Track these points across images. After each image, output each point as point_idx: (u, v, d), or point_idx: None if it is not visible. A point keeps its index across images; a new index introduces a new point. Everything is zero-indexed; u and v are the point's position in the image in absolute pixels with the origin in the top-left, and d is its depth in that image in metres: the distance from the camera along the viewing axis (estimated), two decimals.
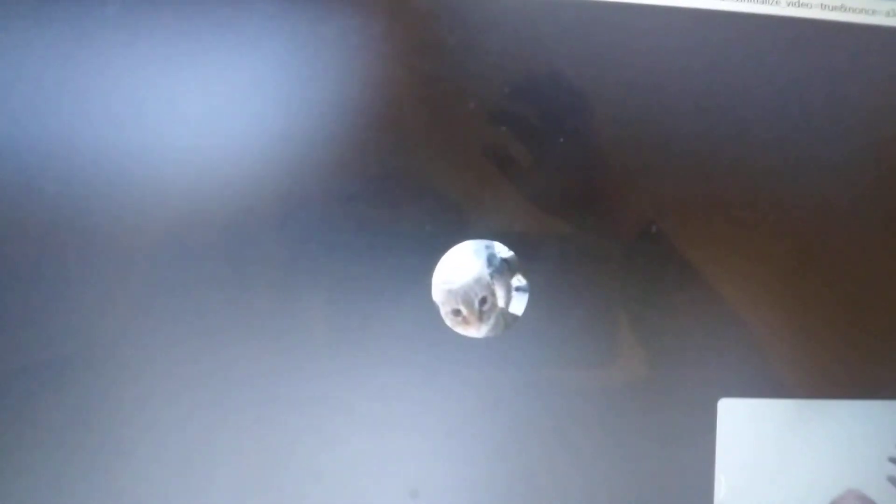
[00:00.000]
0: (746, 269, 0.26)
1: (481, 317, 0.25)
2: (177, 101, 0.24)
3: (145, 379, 0.23)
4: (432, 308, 0.25)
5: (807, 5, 0.24)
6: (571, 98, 0.25)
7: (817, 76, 0.25)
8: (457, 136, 0.25)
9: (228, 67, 0.24)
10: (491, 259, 0.25)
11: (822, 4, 0.24)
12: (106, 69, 0.23)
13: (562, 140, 0.25)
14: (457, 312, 0.25)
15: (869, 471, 0.26)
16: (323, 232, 0.24)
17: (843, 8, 0.24)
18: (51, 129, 0.23)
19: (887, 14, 0.25)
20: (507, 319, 0.25)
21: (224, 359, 0.24)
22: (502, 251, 0.25)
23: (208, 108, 0.24)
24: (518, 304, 0.25)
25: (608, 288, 0.25)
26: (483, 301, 0.25)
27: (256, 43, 0.24)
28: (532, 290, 0.25)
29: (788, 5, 0.24)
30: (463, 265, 0.25)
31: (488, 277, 0.25)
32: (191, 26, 0.24)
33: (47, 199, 0.23)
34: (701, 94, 0.25)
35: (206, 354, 0.24)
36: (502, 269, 0.25)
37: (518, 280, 0.25)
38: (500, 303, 0.25)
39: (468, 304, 0.25)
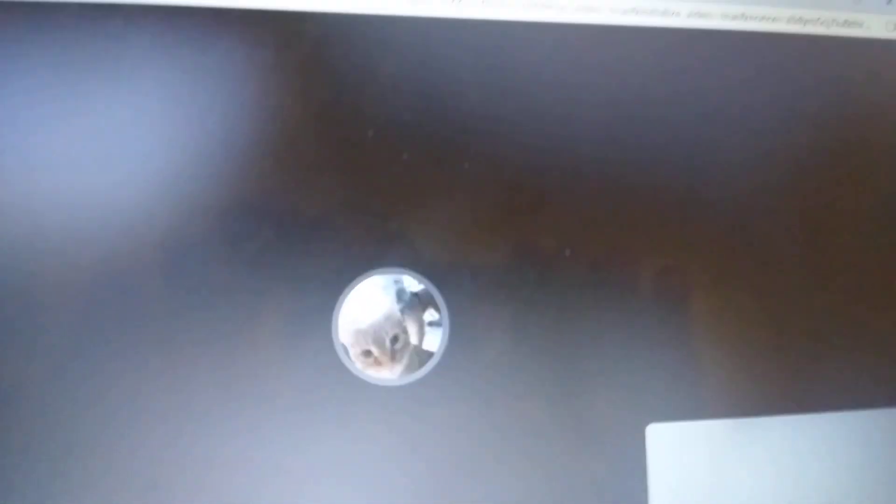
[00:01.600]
0: (665, 289, 0.25)
1: (394, 356, 0.23)
2: (56, 142, 0.22)
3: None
4: (339, 350, 0.23)
5: (707, 15, 0.24)
6: (474, 120, 0.24)
7: (718, 86, 0.25)
8: (357, 166, 0.23)
9: (110, 104, 0.22)
10: (400, 294, 0.24)
11: (722, 14, 0.24)
12: None
13: (466, 165, 0.24)
14: (367, 353, 0.23)
15: (799, 487, 0.25)
16: (214, 275, 0.22)
17: (743, 17, 0.24)
18: None
19: (788, 21, 0.24)
20: (422, 357, 0.24)
21: (111, 423, 0.22)
22: (412, 285, 0.24)
23: (89, 147, 0.22)
24: (432, 340, 0.24)
25: (526, 316, 0.24)
26: (395, 339, 0.24)
27: (138, 76, 0.22)
28: (446, 323, 0.24)
29: (689, 16, 0.24)
30: (371, 302, 0.23)
31: (399, 314, 0.24)
32: (69, 62, 0.22)
33: None
34: (607, 111, 0.24)
35: (90, 417, 0.21)
36: (413, 304, 0.24)
37: (430, 314, 0.24)
38: (413, 339, 0.24)
39: (379, 343, 0.23)
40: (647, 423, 0.25)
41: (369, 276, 0.23)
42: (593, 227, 0.24)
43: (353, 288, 0.23)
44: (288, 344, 0.23)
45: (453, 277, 0.24)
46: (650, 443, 0.25)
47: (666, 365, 0.25)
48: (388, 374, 0.23)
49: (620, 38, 0.24)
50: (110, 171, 0.22)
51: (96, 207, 0.22)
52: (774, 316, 0.25)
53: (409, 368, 0.23)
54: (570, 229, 0.24)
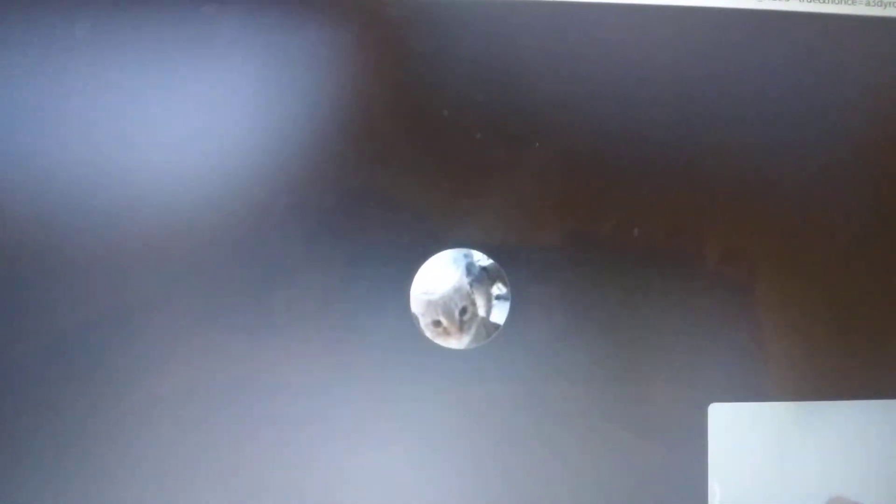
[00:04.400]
0: (731, 271, 0.25)
1: (462, 327, 0.25)
2: (149, 119, 0.24)
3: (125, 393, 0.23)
4: (412, 320, 0.24)
5: None
6: (546, 101, 0.24)
7: (787, 66, 0.25)
8: (431, 145, 0.24)
9: (199, 83, 0.24)
10: (470, 268, 0.25)
11: None
12: (76, 92, 0.23)
13: (538, 144, 0.24)
14: (437, 323, 0.24)
15: (863, 473, 0.25)
16: (298, 245, 0.24)
17: None
18: (21, 152, 0.23)
19: (867, 3, 0.24)
20: (489, 329, 0.25)
21: (200, 376, 0.23)
22: (481, 259, 0.25)
23: (181, 124, 0.24)
24: (499, 313, 0.25)
25: (591, 294, 0.25)
26: (463, 311, 0.25)
27: (225, 57, 0.24)
28: (513, 298, 0.24)
29: None
30: (442, 275, 0.25)
31: (468, 287, 0.25)
32: (159, 44, 0.24)
33: (17, 221, 0.23)
34: (681, 94, 0.25)
35: (183, 372, 0.23)
36: (482, 278, 0.25)
37: (498, 288, 0.25)
38: (481, 312, 0.25)
39: (448, 314, 0.25)
40: (710, 402, 0.25)
41: (441, 251, 0.24)
42: (659, 208, 0.25)
43: (425, 261, 0.24)
44: (365, 314, 0.24)
45: (521, 254, 0.25)
46: (712, 422, 0.25)
47: (729, 345, 0.25)
48: (456, 344, 0.24)
49: (694, 19, 0.24)
50: (202, 150, 0.24)
51: (188, 187, 0.24)
52: (839, 300, 0.25)
53: (477, 339, 0.24)
54: (636, 210, 0.25)
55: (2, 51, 0.23)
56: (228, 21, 0.24)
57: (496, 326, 0.25)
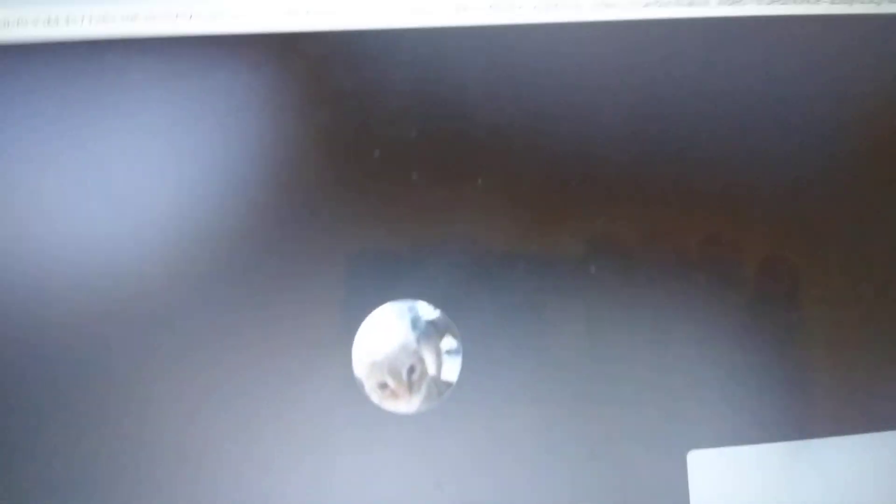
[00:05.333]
0: (702, 308, 0.23)
1: (411, 388, 0.22)
2: (59, 175, 0.22)
3: None
4: (356, 384, 0.22)
5: (739, 2, 0.21)
6: (487, 133, 0.22)
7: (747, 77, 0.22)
8: (364, 189, 0.22)
9: (113, 137, 0.22)
10: (415, 322, 0.22)
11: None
12: None
13: (480, 181, 0.22)
14: (384, 386, 0.22)
15: None
16: (222, 311, 0.22)
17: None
18: None
19: (831, 2, 0.22)
20: (440, 387, 0.22)
21: (122, 458, 0.21)
22: (427, 312, 0.22)
23: (91, 180, 0.22)
24: (451, 370, 0.22)
25: (551, 343, 0.23)
26: (411, 370, 0.22)
27: (140, 108, 0.22)
28: (465, 352, 0.22)
29: (720, 4, 0.21)
30: (385, 332, 0.22)
31: (415, 343, 0.22)
32: (64, 96, 0.22)
33: None
34: (631, 112, 0.22)
35: (94, 446, 0.21)
36: (429, 332, 0.22)
37: (448, 342, 0.22)
38: (431, 370, 0.22)
39: (395, 375, 0.22)
40: (689, 449, 0.23)
41: (383, 305, 0.22)
42: (621, 242, 0.22)
43: (366, 318, 0.22)
44: (304, 381, 0.22)
45: (470, 303, 0.22)
46: (692, 470, 0.23)
47: (707, 389, 0.23)
48: (406, 407, 0.22)
49: (645, 34, 0.22)
50: (116, 203, 0.22)
51: (103, 239, 0.22)
52: (817, 336, 0.23)
53: (428, 400, 0.22)
54: (596, 245, 0.22)
55: None
56: (136, 68, 0.22)
57: (448, 385, 0.22)
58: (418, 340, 0.22)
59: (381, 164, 0.22)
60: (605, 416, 0.23)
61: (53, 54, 0.22)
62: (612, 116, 0.22)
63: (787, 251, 0.23)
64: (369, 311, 0.22)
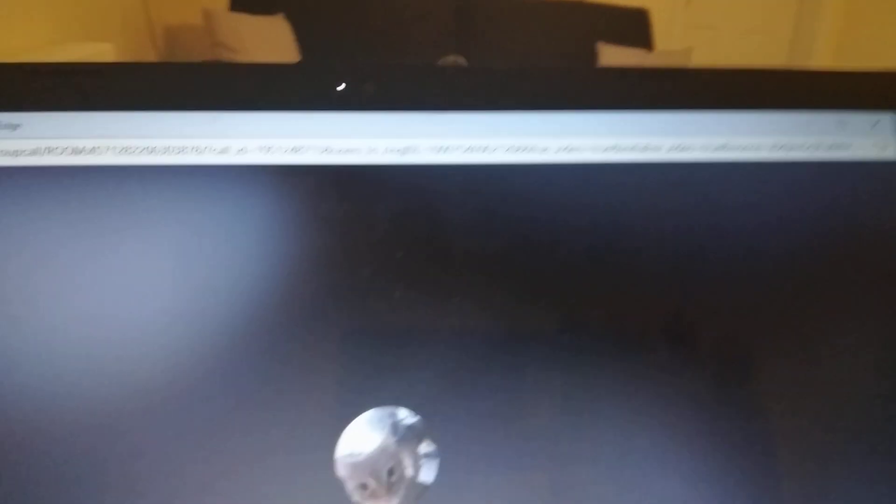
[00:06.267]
0: (684, 423, 0.25)
1: (390, 488, 0.24)
2: (73, 298, 0.24)
3: None
4: (338, 484, 0.24)
5: (688, 148, 0.24)
6: (464, 258, 0.25)
7: (707, 217, 0.25)
8: (351, 304, 0.24)
9: (123, 255, 0.24)
10: (395, 427, 0.24)
11: (703, 147, 0.24)
12: None
13: (457, 300, 0.25)
14: (364, 486, 0.24)
15: None
16: (215, 415, 0.24)
17: (725, 147, 0.24)
18: None
19: (771, 149, 0.25)
20: (417, 489, 0.24)
21: None
22: (406, 417, 0.24)
23: (84, 301, 0.24)
24: (428, 472, 0.24)
25: (527, 448, 0.25)
26: (391, 472, 0.24)
27: (151, 225, 0.24)
28: (442, 455, 0.24)
29: (670, 150, 0.24)
30: (367, 436, 0.24)
31: (394, 446, 0.24)
32: (84, 223, 0.24)
33: None
34: (596, 244, 0.25)
35: None
36: (408, 436, 0.24)
37: (426, 446, 0.24)
38: (409, 472, 0.24)
39: (376, 476, 0.24)
40: None
41: (365, 411, 0.24)
42: (587, 358, 0.25)
43: (349, 423, 0.24)
44: (289, 480, 0.24)
45: (447, 408, 0.24)
46: None
47: (681, 473, 0.25)
48: None
49: (605, 175, 0.25)
50: (120, 323, 0.24)
51: (104, 360, 0.24)
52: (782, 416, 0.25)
53: (406, 500, 0.24)
54: (562, 363, 0.25)
55: None
56: (157, 197, 0.24)
57: (425, 487, 0.24)
58: (398, 444, 0.24)
59: (369, 282, 0.24)
60: None
61: (75, 178, 0.24)
62: (575, 244, 0.25)
63: (742, 333, 0.26)
64: (354, 416, 0.24)
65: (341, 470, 0.24)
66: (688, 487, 0.25)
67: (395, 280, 0.24)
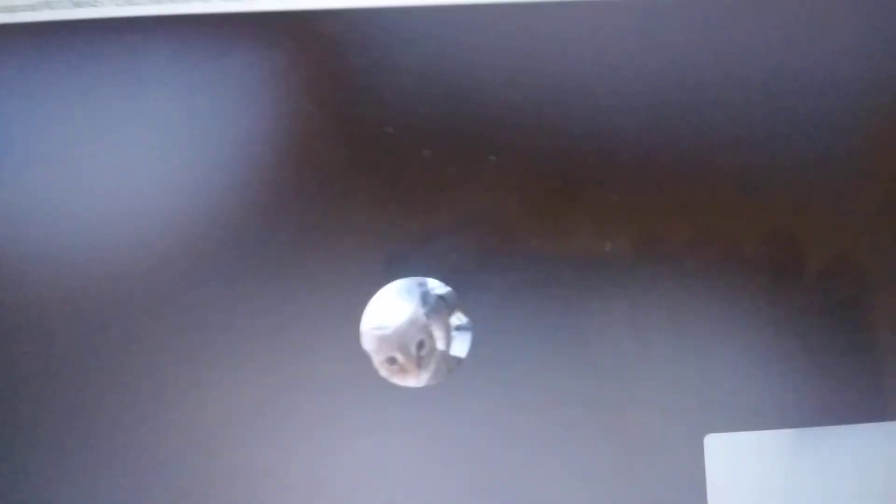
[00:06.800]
0: (719, 289, 0.22)
1: (420, 363, 0.22)
2: (79, 154, 0.22)
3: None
4: (364, 358, 0.22)
5: None
6: (499, 109, 0.22)
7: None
8: (376, 165, 0.22)
9: (130, 116, 0.22)
10: (425, 297, 0.22)
11: None
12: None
13: (493, 158, 0.22)
14: (392, 361, 0.22)
15: (865, 498, 0.22)
16: (235, 284, 0.22)
17: None
18: None
19: None
20: (450, 363, 0.22)
21: (131, 434, 0.21)
22: (437, 287, 0.22)
23: (111, 158, 0.22)
24: (460, 346, 0.22)
25: (564, 319, 0.22)
26: (420, 345, 0.22)
27: (157, 86, 0.22)
28: (475, 328, 0.22)
29: None
30: (394, 307, 0.22)
31: (424, 318, 0.22)
32: (83, 77, 0.22)
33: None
34: (650, 92, 0.22)
35: (105, 427, 0.21)
36: (439, 308, 0.22)
37: (458, 318, 0.22)
38: (440, 345, 0.22)
39: (404, 350, 0.22)
40: (705, 433, 0.22)
41: (393, 281, 0.22)
42: (634, 219, 0.22)
43: (375, 293, 0.22)
44: (312, 354, 0.22)
45: (480, 279, 0.22)
46: (709, 454, 0.22)
47: (723, 373, 0.22)
48: (415, 382, 0.22)
49: (658, 11, 0.22)
50: (132, 181, 0.22)
51: (118, 218, 0.22)
52: (831, 321, 0.22)
53: (437, 375, 0.22)
54: (608, 222, 0.22)
55: None
56: (155, 49, 0.22)
57: (458, 360, 0.22)
58: (428, 316, 0.22)
59: (394, 140, 0.22)
60: (620, 398, 0.22)
61: (77, 33, 0.22)
62: (628, 96, 0.22)
63: (804, 240, 0.23)
64: (379, 287, 0.22)
65: (367, 343, 0.22)
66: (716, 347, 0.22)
67: (423, 137, 0.22)
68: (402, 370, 0.22)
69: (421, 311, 0.22)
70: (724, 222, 0.23)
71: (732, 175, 0.23)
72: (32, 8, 0.22)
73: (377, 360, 0.22)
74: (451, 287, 0.22)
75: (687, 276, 0.22)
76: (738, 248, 0.23)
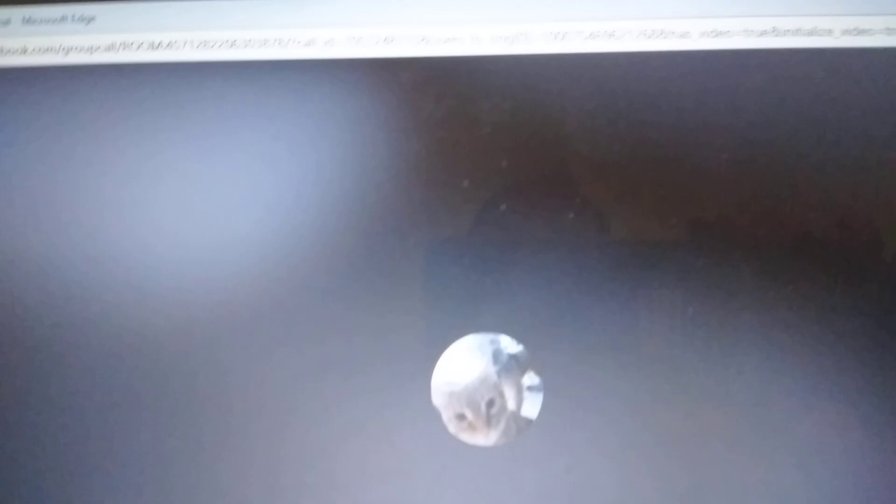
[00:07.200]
0: (810, 359, 0.21)
1: (489, 421, 0.22)
2: (167, 198, 0.22)
3: None
4: (434, 413, 0.22)
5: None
6: (579, 165, 0.21)
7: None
8: (451, 219, 0.22)
9: (214, 160, 0.22)
10: (497, 355, 0.22)
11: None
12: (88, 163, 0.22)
13: (571, 215, 0.21)
14: (461, 417, 0.22)
15: None
16: (308, 333, 0.22)
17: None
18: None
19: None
20: (520, 423, 0.22)
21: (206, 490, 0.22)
22: (509, 345, 0.22)
23: (193, 198, 0.22)
24: (531, 406, 0.22)
25: (637, 383, 0.22)
26: (490, 403, 0.22)
27: (236, 127, 0.22)
28: (547, 389, 0.22)
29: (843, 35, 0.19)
30: (466, 363, 0.22)
31: (495, 376, 0.22)
32: (167, 119, 0.22)
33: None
34: (734, 140, 0.21)
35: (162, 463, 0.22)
36: (511, 367, 0.22)
37: (530, 378, 0.22)
38: (511, 405, 0.22)
39: (474, 407, 0.22)
40: None
41: (465, 336, 0.22)
42: (714, 279, 0.21)
43: (447, 348, 0.22)
44: (384, 407, 0.22)
45: (554, 338, 0.22)
46: None
47: (811, 447, 0.21)
48: (483, 440, 0.22)
49: (759, 65, 0.20)
50: (214, 225, 0.22)
51: (196, 265, 0.22)
52: None
53: (506, 435, 0.22)
54: (693, 286, 0.21)
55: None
56: (238, 96, 0.22)
57: (528, 421, 0.22)
58: (499, 374, 0.22)
59: (470, 193, 0.22)
60: (692, 466, 0.22)
61: (156, 76, 0.22)
62: (717, 150, 0.21)
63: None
64: (451, 342, 0.22)
65: (437, 398, 0.22)
66: (834, 443, 0.21)
67: (500, 191, 0.22)
68: (471, 427, 0.22)
69: (492, 369, 0.22)
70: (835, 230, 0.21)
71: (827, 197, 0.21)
72: (110, 49, 0.22)
73: (446, 415, 0.22)
74: (524, 346, 0.22)
75: (769, 335, 0.21)
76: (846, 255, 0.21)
